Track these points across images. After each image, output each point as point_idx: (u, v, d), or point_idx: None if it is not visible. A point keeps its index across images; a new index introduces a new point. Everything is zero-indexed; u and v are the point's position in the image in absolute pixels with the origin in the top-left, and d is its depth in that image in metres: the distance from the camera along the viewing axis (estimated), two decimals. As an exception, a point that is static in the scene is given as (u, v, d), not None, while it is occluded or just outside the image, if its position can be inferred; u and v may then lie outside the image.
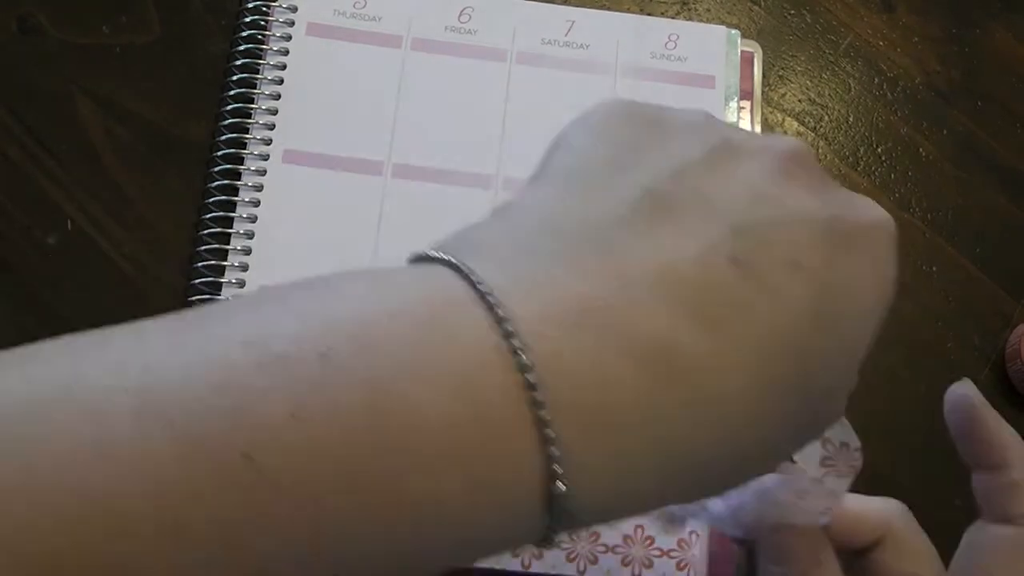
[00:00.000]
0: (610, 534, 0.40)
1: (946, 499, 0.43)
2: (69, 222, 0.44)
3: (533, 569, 0.39)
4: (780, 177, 0.21)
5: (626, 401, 0.18)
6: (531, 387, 0.18)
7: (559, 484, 0.18)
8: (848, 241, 0.21)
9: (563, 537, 0.19)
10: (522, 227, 0.21)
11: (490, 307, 0.18)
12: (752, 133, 0.24)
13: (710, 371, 0.19)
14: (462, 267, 0.19)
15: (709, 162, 0.21)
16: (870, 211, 0.22)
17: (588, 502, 0.18)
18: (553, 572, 0.39)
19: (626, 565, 0.39)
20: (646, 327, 0.18)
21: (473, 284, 0.19)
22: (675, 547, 0.40)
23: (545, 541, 0.19)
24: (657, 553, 0.39)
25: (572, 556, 0.39)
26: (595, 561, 0.39)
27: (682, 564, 0.39)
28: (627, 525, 0.40)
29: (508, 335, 0.18)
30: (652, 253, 0.19)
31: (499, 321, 0.18)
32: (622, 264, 0.19)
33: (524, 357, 0.18)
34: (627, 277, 0.19)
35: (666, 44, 0.47)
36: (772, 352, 0.19)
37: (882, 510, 0.30)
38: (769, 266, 0.20)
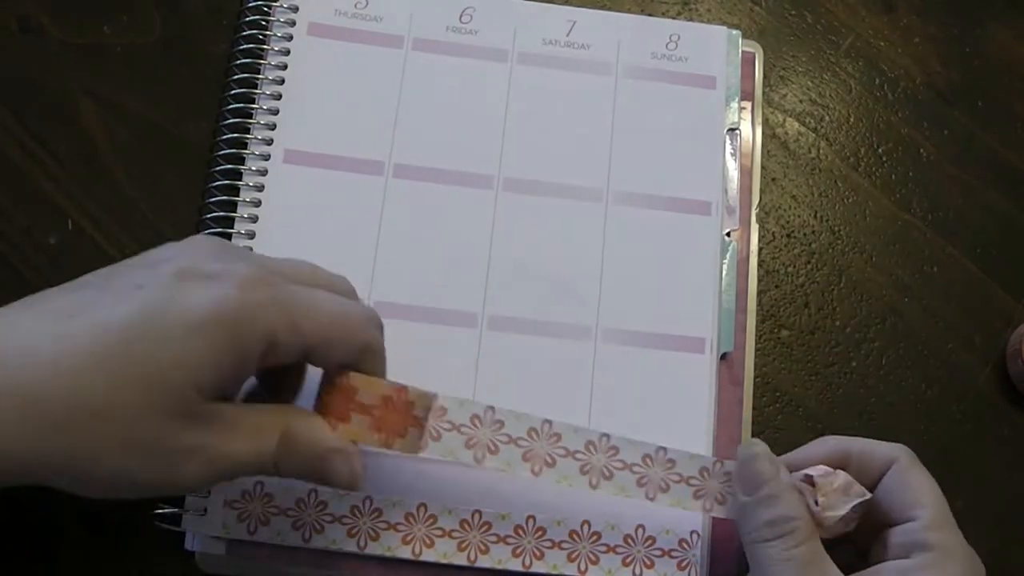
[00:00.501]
0: (611, 534, 0.40)
1: (946, 499, 0.43)
2: (69, 222, 0.44)
3: (534, 569, 0.39)
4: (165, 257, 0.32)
5: None
6: None
7: None
8: (198, 280, 0.30)
9: None
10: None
11: None
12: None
13: (47, 337, 0.29)
14: None
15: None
16: (234, 265, 0.31)
17: None
18: (555, 572, 0.39)
19: (627, 565, 0.39)
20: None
21: None
22: (676, 547, 0.40)
23: None
24: (658, 553, 0.39)
25: (573, 556, 0.39)
26: (596, 561, 0.39)
27: (683, 564, 0.39)
28: (628, 526, 0.40)
29: None
30: (51, 303, 0.30)
31: None
32: (32, 305, 0.31)
33: None
34: (23, 312, 0.30)
35: (667, 44, 0.47)
36: (98, 328, 0.29)
37: (887, 448, 0.38)
38: (120, 286, 0.30)
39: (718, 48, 0.47)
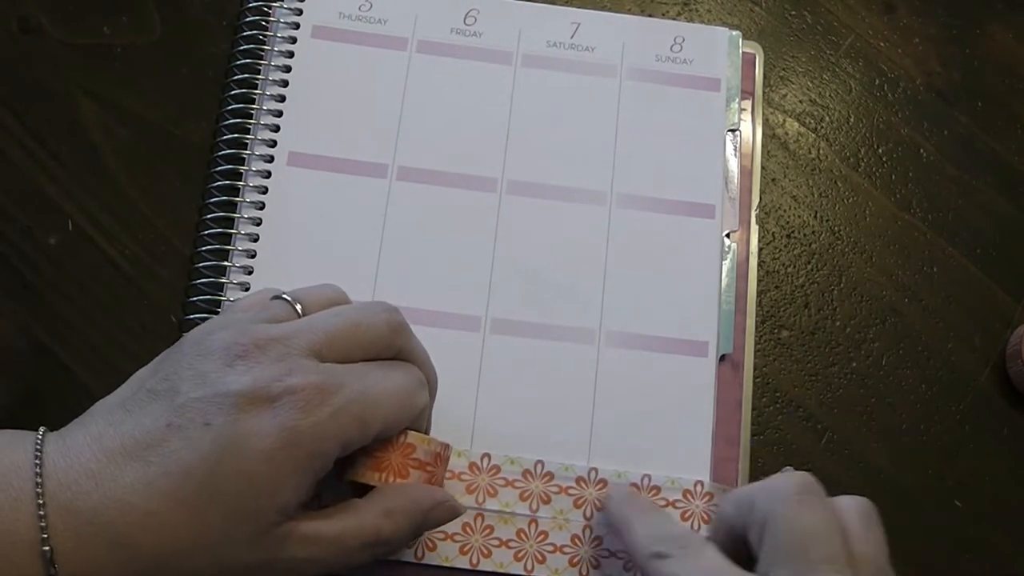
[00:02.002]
0: (611, 539, 0.40)
1: (946, 499, 0.44)
2: (69, 222, 0.44)
3: (536, 573, 0.39)
4: (223, 365, 0.31)
5: (93, 507, 0.30)
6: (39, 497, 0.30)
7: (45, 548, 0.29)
8: (261, 405, 0.31)
9: None
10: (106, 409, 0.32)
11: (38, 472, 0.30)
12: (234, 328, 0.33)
13: (137, 489, 0.30)
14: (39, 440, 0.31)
15: (188, 364, 0.32)
16: (291, 380, 0.31)
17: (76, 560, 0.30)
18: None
19: (628, 570, 0.39)
20: (100, 467, 0.31)
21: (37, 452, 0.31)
22: None
23: None
24: None
25: (575, 561, 0.39)
26: (597, 566, 0.39)
27: None
28: None
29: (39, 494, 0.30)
30: (128, 429, 0.31)
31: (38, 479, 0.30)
32: (112, 438, 0.31)
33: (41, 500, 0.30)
34: (109, 449, 0.31)
35: (672, 47, 0.47)
36: (180, 475, 0.30)
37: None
38: (190, 425, 0.30)
39: (722, 50, 0.47)
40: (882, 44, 0.51)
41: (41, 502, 0.30)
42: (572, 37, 0.47)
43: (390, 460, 0.34)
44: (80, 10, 0.46)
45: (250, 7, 0.46)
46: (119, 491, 0.30)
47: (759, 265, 0.46)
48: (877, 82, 0.50)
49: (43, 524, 0.29)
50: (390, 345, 0.35)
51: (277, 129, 0.44)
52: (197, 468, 0.30)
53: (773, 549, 0.31)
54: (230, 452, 0.30)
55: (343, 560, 0.33)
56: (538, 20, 0.47)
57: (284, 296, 0.35)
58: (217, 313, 0.42)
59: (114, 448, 0.30)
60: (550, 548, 0.39)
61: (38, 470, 0.30)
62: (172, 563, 0.30)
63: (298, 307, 0.34)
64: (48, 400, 0.41)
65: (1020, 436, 0.45)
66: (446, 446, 0.37)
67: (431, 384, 0.37)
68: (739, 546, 0.33)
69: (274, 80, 0.45)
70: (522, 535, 0.39)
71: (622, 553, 0.39)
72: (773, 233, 0.47)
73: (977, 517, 0.44)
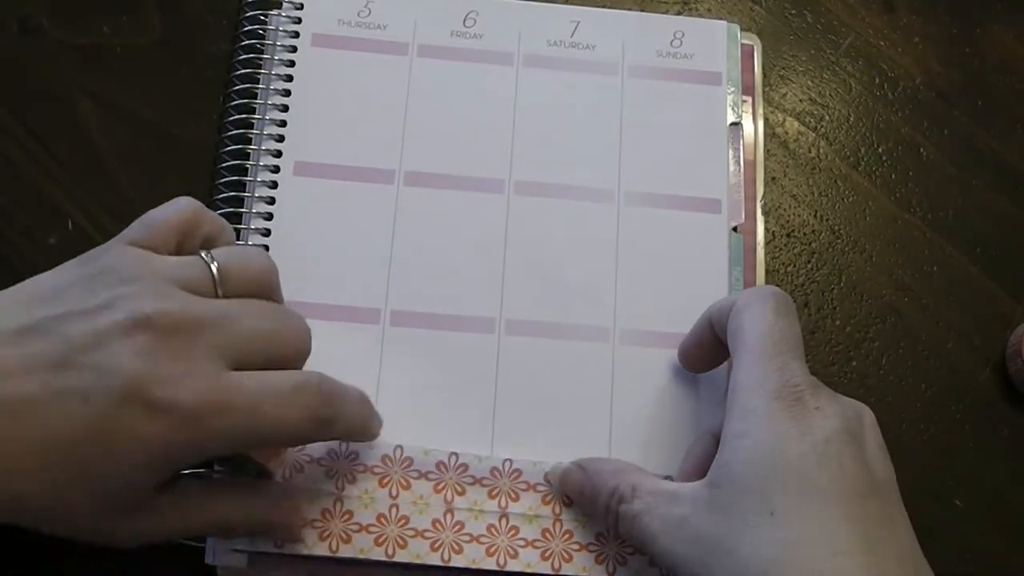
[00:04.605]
0: (583, 532, 0.39)
1: (946, 499, 0.44)
2: (69, 222, 0.44)
3: (508, 567, 0.39)
4: (123, 330, 0.30)
5: None
6: None
7: None
8: (145, 405, 0.30)
9: None
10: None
11: None
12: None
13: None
14: None
15: (94, 292, 0.31)
16: (182, 392, 0.30)
17: None
18: (528, 571, 0.39)
19: (600, 563, 0.39)
20: None
21: None
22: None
23: None
24: (631, 551, 0.39)
25: (547, 554, 0.39)
26: (570, 559, 0.39)
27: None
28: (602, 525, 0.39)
29: None
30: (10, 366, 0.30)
31: None
32: None
33: None
34: None
35: (672, 42, 0.47)
36: (48, 441, 0.29)
37: (729, 299, 0.37)
38: (69, 394, 0.29)
39: (722, 44, 0.47)
40: (882, 43, 0.51)
41: None
42: (572, 36, 0.47)
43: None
44: (80, 10, 0.47)
45: (247, 16, 0.46)
46: None
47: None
48: (877, 81, 0.50)
49: None
50: (301, 359, 0.34)
51: (281, 139, 0.44)
52: (63, 443, 0.29)
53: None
54: (100, 443, 0.29)
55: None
56: (538, 20, 0.47)
57: (207, 259, 0.33)
58: None
59: None
60: (521, 542, 0.39)
61: None
62: (29, 518, 0.31)
63: (217, 279, 0.32)
64: (48, 400, 0.41)
65: (1020, 436, 0.45)
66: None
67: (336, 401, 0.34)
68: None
69: (276, 89, 0.45)
70: (492, 530, 0.39)
71: (593, 546, 0.39)
72: (773, 232, 0.47)
73: (977, 517, 0.44)
